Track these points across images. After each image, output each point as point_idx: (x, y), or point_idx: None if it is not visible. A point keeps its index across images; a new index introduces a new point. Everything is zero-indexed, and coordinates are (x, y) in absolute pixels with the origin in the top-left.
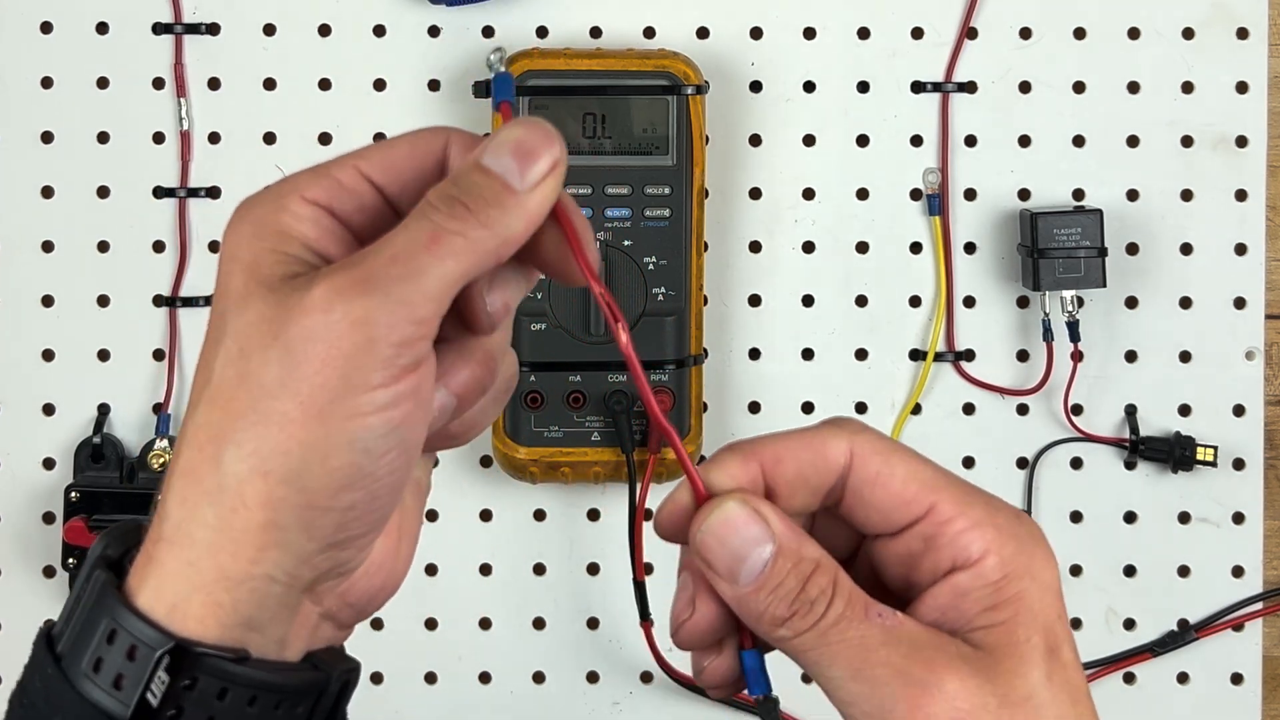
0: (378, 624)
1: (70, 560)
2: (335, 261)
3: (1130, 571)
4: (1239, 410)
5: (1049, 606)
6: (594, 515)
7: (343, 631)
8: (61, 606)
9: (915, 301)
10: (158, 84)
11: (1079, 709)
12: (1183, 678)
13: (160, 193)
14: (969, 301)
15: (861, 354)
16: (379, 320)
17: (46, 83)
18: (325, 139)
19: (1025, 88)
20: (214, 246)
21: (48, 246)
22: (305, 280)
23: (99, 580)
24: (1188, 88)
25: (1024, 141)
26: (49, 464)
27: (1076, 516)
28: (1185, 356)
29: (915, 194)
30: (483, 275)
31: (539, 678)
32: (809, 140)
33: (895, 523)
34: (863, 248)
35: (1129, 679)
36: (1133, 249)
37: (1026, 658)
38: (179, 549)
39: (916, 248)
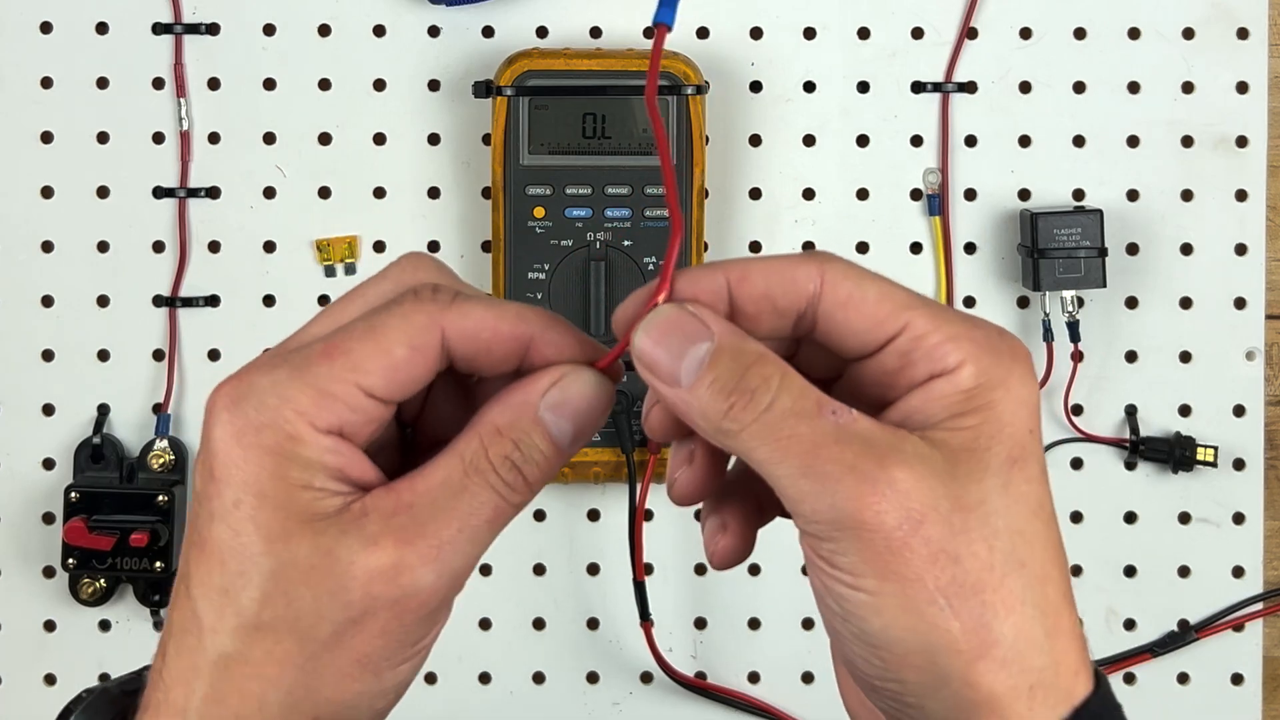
0: None
1: (70, 560)
2: (357, 482)
3: (1130, 572)
4: (1239, 410)
5: (1020, 419)
6: (594, 515)
7: None
8: (60, 607)
9: None
10: (158, 84)
11: (1036, 523)
12: (1183, 678)
13: (160, 193)
14: (969, 301)
15: None
16: (440, 592)
17: (46, 83)
18: (325, 139)
19: (1025, 88)
20: (214, 246)
21: (48, 246)
22: (352, 523)
23: None
24: (1188, 88)
25: (1024, 141)
26: (49, 464)
27: (1077, 517)
28: (1185, 356)
29: (915, 194)
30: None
31: (539, 678)
32: (809, 140)
33: (871, 343)
34: (863, 248)
35: (1129, 679)
36: (1133, 249)
37: (985, 464)
38: None
39: (916, 248)
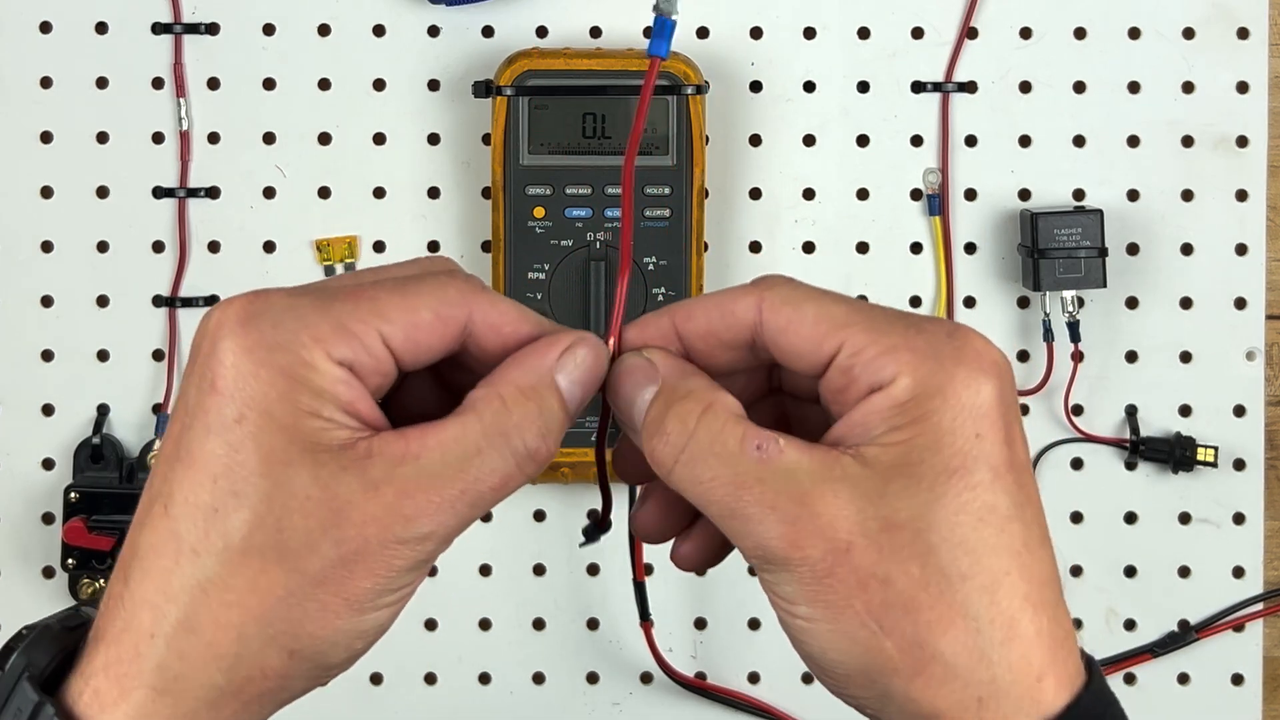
0: None
1: (70, 560)
2: (365, 420)
3: (1131, 572)
4: (1239, 410)
5: (962, 426)
6: (594, 516)
7: None
8: (60, 607)
9: (915, 302)
10: (157, 84)
11: (984, 530)
12: (1183, 678)
13: (160, 193)
14: (969, 302)
15: None
16: (430, 547)
17: (46, 83)
18: (325, 139)
19: (1025, 88)
20: (214, 246)
21: (47, 246)
22: (355, 462)
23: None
24: (1188, 88)
25: (1024, 141)
26: (48, 464)
27: (1077, 517)
28: (1185, 357)
29: (915, 194)
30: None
31: (539, 678)
32: (809, 140)
33: (816, 363)
34: (863, 248)
35: (1129, 680)
36: (1133, 249)
37: (919, 478)
38: (168, 698)
39: (916, 248)
